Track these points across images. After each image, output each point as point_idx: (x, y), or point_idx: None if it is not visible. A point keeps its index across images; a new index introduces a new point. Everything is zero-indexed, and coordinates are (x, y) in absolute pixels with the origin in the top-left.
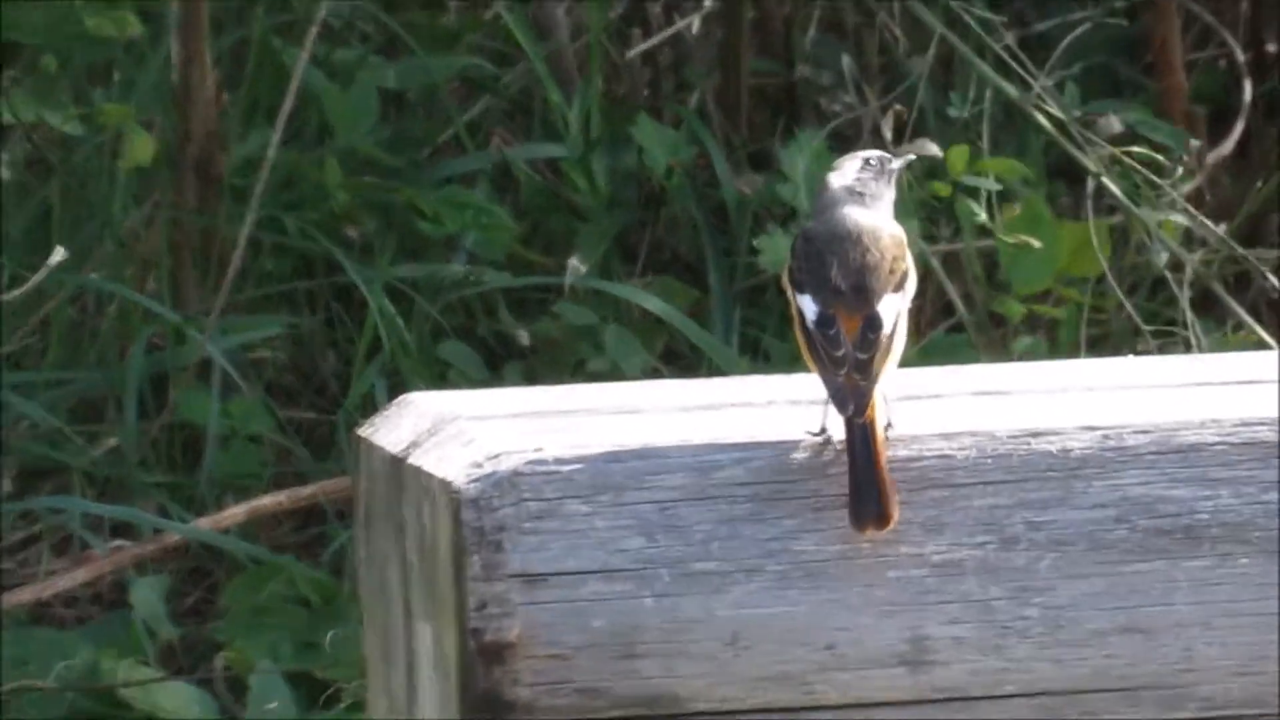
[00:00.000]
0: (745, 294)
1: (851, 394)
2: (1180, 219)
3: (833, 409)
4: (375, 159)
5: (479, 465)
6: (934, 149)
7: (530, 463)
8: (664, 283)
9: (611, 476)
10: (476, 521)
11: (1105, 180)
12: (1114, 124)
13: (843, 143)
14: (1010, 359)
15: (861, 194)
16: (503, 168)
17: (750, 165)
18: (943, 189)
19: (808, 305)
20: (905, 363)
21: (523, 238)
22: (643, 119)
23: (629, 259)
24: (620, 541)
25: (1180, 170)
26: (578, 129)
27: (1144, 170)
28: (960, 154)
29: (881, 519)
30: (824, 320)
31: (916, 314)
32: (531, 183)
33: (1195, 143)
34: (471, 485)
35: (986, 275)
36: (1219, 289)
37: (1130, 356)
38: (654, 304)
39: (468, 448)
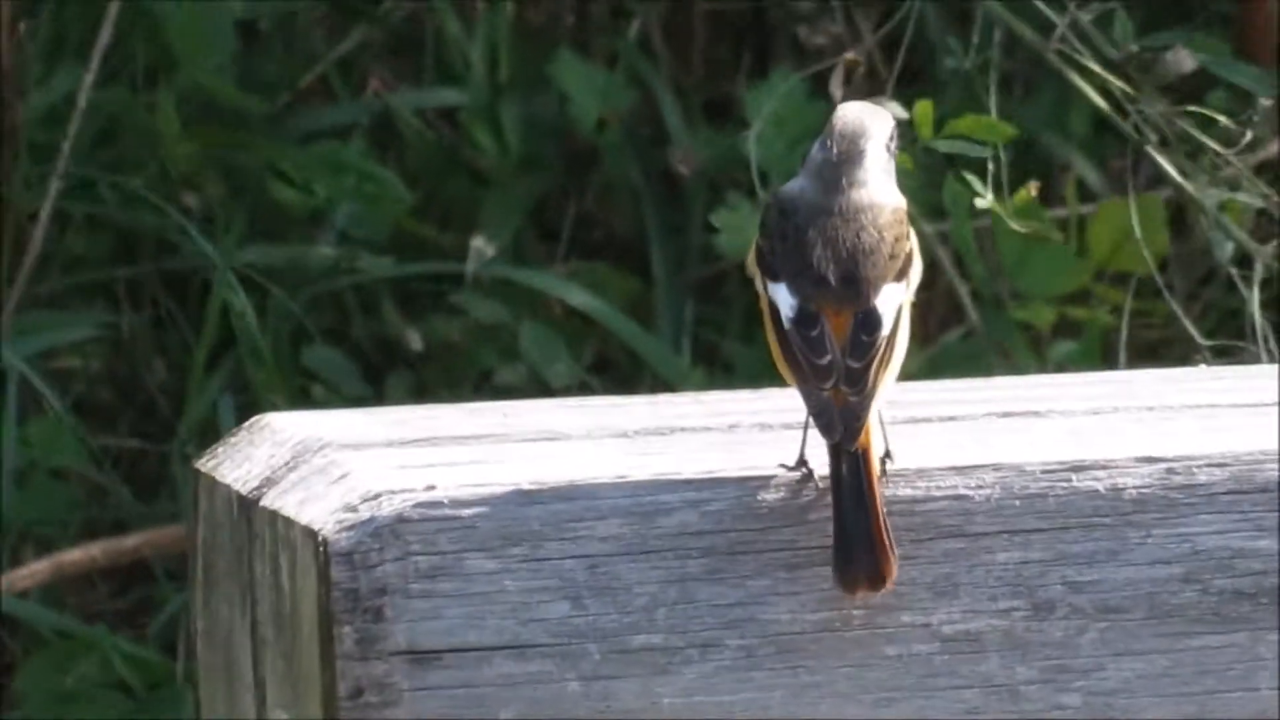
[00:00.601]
0: (699, 285)
1: (840, 414)
2: (1251, 198)
3: (815, 434)
4: (220, 106)
5: (353, 509)
6: (894, 109)
7: (420, 505)
8: (594, 270)
9: (526, 524)
10: (350, 582)
11: (1150, 150)
12: (1184, 61)
13: (826, 88)
14: (1044, 369)
15: (861, 156)
16: (384, 119)
17: (706, 117)
18: (905, 160)
19: (783, 298)
20: (908, 374)
21: (412, 211)
22: (566, 56)
23: (549, 238)
24: (537, 608)
25: (1250, 134)
26: (481, 70)
27: (1201, 136)
28: (926, 111)
29: (876, 578)
30: (805, 318)
31: (923, 311)
32: (421, 139)
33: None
34: (344, 535)
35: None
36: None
37: (1202, 367)
38: (581, 297)
39: (339, 485)
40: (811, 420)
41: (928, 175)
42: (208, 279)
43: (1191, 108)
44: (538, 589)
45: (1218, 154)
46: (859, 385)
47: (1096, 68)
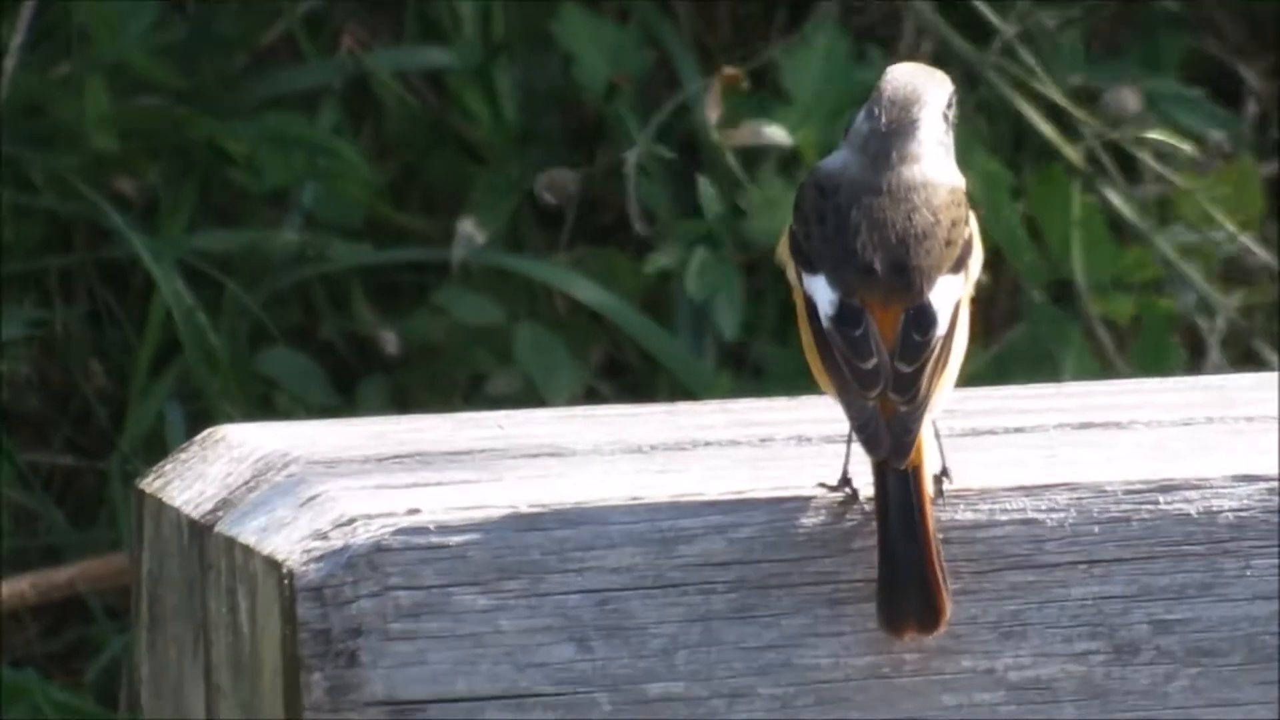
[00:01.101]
0: None
1: (889, 427)
2: (1216, 237)
3: (859, 449)
4: (156, 75)
5: (324, 536)
6: (775, 134)
7: (401, 532)
8: (604, 258)
9: (525, 553)
10: (320, 621)
11: (1102, 186)
12: (1127, 100)
13: (873, 48)
14: (1125, 374)
15: (914, 126)
16: (358, 84)
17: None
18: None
19: (821, 291)
20: (968, 378)
21: (390, 190)
22: (571, 11)
23: (550, 223)
24: (538, 651)
25: (1215, 166)
26: (472, 26)
27: (1162, 169)
28: (809, 137)
29: (929, 617)
30: (847, 314)
31: (984, 304)
32: (402, 106)
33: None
34: (312, 566)
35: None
36: (1265, 348)
37: None
38: (588, 291)
39: (306, 509)
40: (855, 433)
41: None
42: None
43: (1152, 134)
44: (538, 629)
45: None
46: (910, 393)
47: (1053, 92)
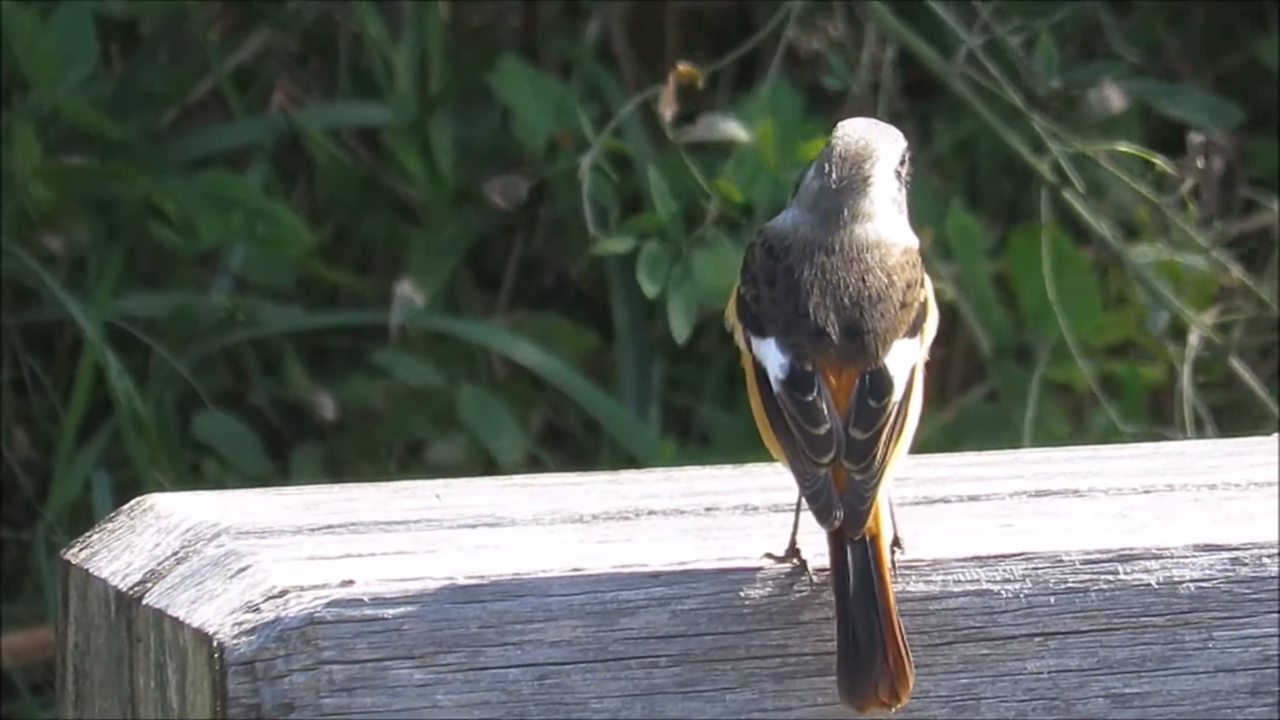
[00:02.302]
0: (669, 340)
1: (842, 496)
2: (1194, 259)
3: (809, 518)
4: (92, 128)
5: (255, 608)
6: (733, 130)
7: (335, 604)
8: (544, 321)
9: (462, 626)
10: (251, 696)
11: (1070, 198)
12: (1112, 99)
13: (824, 100)
14: (1086, 436)
15: (866, 183)
16: (291, 141)
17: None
18: (731, 190)
19: (771, 355)
20: (922, 444)
21: (323, 251)
22: (510, 64)
23: (489, 285)
24: None
25: (1189, 181)
26: (408, 81)
27: (1135, 185)
28: (767, 135)
29: (893, 688)
30: (798, 378)
31: (939, 367)
32: (336, 164)
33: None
34: (243, 639)
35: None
36: (1241, 369)
37: (1275, 437)
38: (529, 354)
39: (238, 580)
40: (806, 502)
41: (925, 207)
42: (79, 333)
43: (1124, 147)
44: (476, 704)
45: (1149, 200)
46: (865, 460)
47: (1014, 98)
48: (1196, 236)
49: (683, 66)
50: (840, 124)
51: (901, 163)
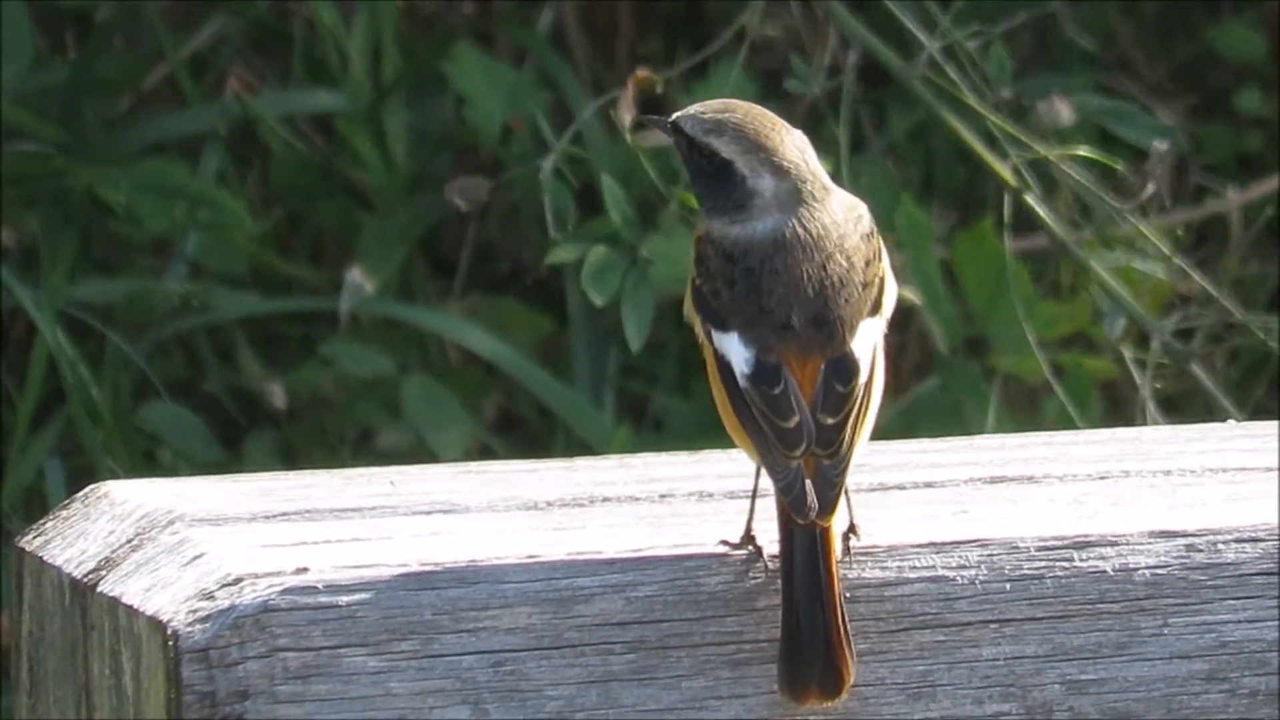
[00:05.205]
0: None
1: (815, 485)
2: (1150, 265)
3: (764, 504)
4: (26, 125)
5: (209, 595)
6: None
7: (289, 591)
8: (498, 307)
9: (417, 613)
10: (205, 683)
11: (1031, 201)
12: (1061, 112)
13: (778, 86)
14: (1039, 427)
15: (804, 181)
16: (243, 128)
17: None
18: (688, 199)
19: (735, 349)
20: (877, 432)
21: (276, 238)
22: (464, 51)
23: (442, 272)
24: (430, 715)
25: (1151, 186)
26: (361, 68)
27: (1093, 187)
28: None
29: (831, 683)
30: (765, 372)
31: (894, 355)
32: (289, 151)
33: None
34: (197, 627)
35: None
36: (1201, 374)
37: (1230, 423)
38: (481, 341)
39: (192, 568)
40: (778, 492)
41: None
42: (31, 321)
43: (1083, 151)
44: (431, 691)
45: (1115, 209)
46: (834, 445)
47: (975, 103)
48: (1158, 243)
49: (641, 72)
50: (716, 121)
51: (803, 140)
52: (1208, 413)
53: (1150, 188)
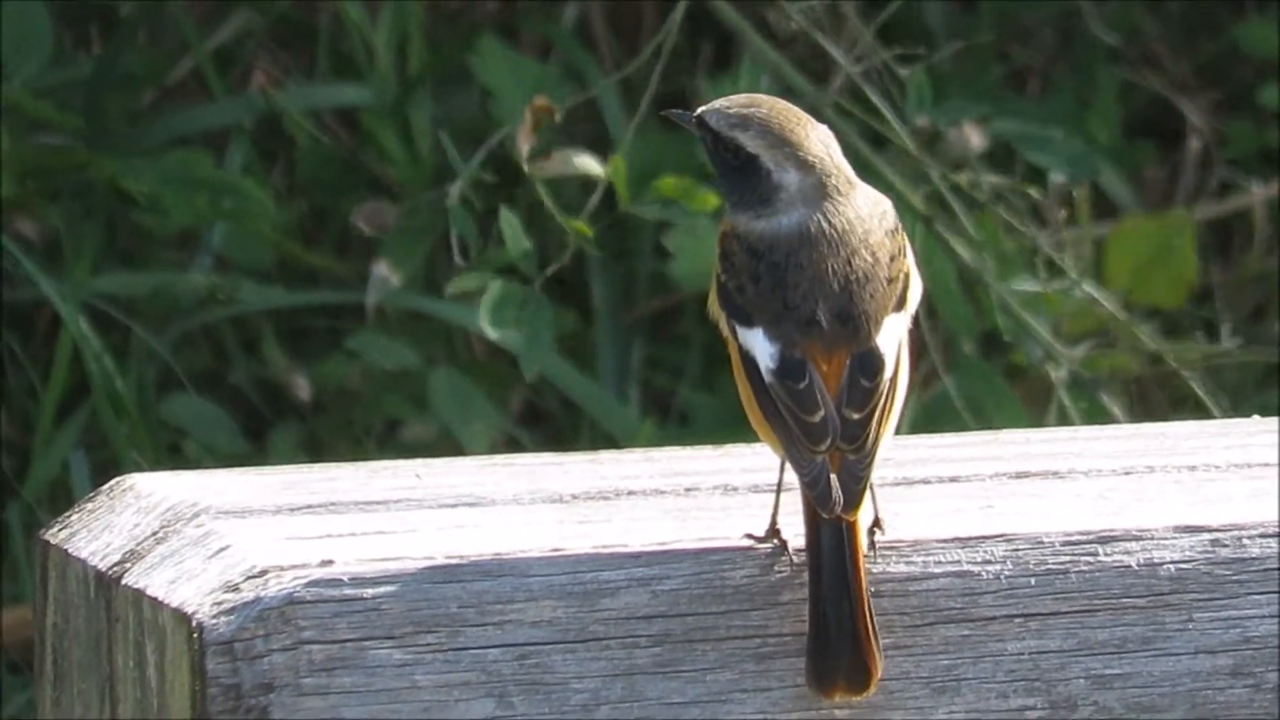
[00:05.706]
0: (649, 320)
1: (841, 479)
2: (1073, 289)
3: (789, 498)
4: (47, 117)
5: (234, 588)
6: (586, 164)
7: (314, 584)
8: None
9: (442, 606)
10: (230, 675)
11: (940, 229)
12: (971, 138)
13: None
14: (1063, 422)
15: (829, 176)
16: (270, 122)
17: (656, 116)
18: (583, 229)
19: (760, 345)
20: (901, 427)
21: (300, 232)
22: (489, 45)
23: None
24: (455, 708)
25: (1063, 213)
26: (387, 62)
27: (1008, 216)
28: (620, 165)
29: (859, 677)
30: (790, 367)
31: (918, 349)
32: (315, 146)
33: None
34: (223, 619)
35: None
36: (1113, 404)
37: (1255, 419)
38: (507, 335)
39: (217, 560)
40: (803, 488)
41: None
42: (56, 314)
43: (994, 178)
44: (456, 684)
45: (1027, 233)
46: (859, 440)
47: (894, 127)
48: (1070, 272)
49: (539, 101)
50: (744, 117)
51: (829, 135)
52: (1234, 409)
53: (1062, 213)
